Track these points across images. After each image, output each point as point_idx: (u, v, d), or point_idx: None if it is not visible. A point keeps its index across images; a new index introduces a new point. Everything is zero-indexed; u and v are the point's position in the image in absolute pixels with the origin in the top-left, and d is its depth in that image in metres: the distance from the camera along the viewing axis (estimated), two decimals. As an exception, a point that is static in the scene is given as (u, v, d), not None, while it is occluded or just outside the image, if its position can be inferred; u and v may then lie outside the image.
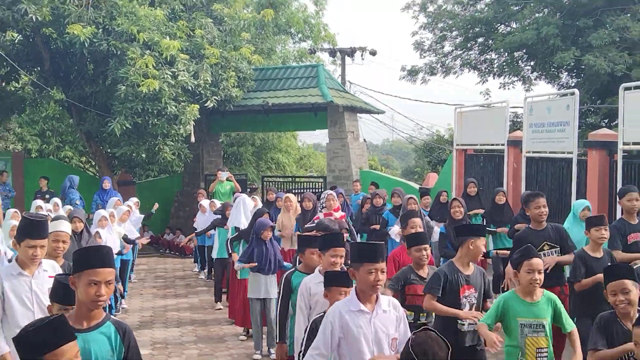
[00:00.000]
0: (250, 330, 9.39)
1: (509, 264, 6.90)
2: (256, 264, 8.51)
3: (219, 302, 11.44)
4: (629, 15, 20.30)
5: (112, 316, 3.82)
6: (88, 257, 3.64)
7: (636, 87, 10.74)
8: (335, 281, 4.94)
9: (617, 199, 8.48)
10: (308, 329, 4.98)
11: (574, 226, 8.23)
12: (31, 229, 5.33)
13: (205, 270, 14.34)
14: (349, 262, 4.52)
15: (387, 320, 4.36)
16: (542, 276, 5.28)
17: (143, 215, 14.29)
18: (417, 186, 17.67)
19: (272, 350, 8.40)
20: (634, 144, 10.57)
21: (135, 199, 13.49)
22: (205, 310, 11.43)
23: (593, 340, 4.72)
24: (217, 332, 10.07)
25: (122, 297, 11.52)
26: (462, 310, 5.76)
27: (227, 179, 15.92)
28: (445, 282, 5.82)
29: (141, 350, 8.80)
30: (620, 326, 4.63)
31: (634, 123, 10.36)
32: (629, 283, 4.58)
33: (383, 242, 4.96)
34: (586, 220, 7.26)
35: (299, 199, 11.57)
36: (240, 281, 9.64)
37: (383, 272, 4.31)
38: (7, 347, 5.01)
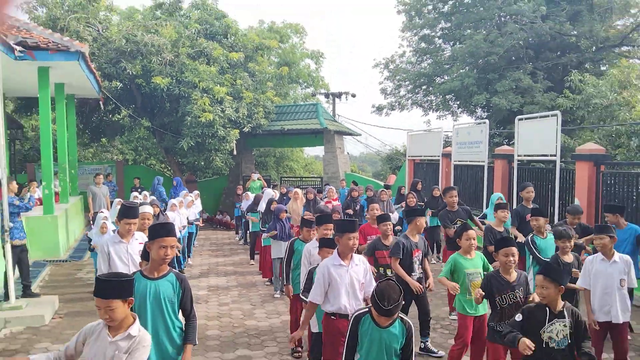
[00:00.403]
0: (272, 278, 9.38)
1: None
2: (277, 232, 8.52)
3: (252, 260, 11.40)
4: (521, 71, 20.27)
5: (173, 269, 3.79)
6: (159, 230, 3.62)
7: (527, 118, 10.75)
8: (325, 244, 4.95)
9: (519, 191, 8.43)
10: (307, 275, 5.02)
11: (491, 211, 8.17)
12: (128, 211, 5.35)
13: (244, 239, 14.26)
14: (335, 233, 4.51)
15: (358, 271, 4.38)
16: (476, 241, 5.25)
17: (200, 206, 14.00)
18: (382, 183, 17.64)
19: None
20: (525, 155, 10.58)
21: (196, 192, 13.42)
22: (242, 265, 11.39)
23: (483, 287, 4.57)
24: (250, 280, 10.03)
25: (189, 256, 11.48)
26: (414, 264, 5.84)
27: (258, 179, 15.85)
28: (403, 248, 5.86)
29: (199, 291, 8.90)
30: (501, 277, 4.47)
31: (525, 142, 10.37)
32: (514, 249, 4.50)
33: (357, 220, 5.00)
34: (495, 206, 7.25)
35: (304, 192, 11.54)
36: (265, 247, 9.60)
37: (357, 239, 4.38)
38: None
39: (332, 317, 4.34)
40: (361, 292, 4.38)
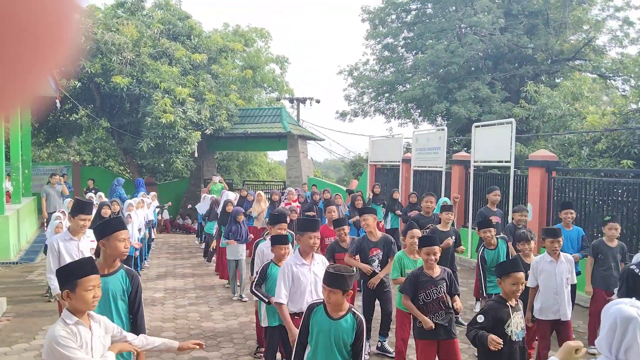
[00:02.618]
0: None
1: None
2: (235, 242, 8.44)
3: (206, 260, 11.27)
4: (480, 81, 20.81)
5: (124, 265, 3.71)
6: (115, 224, 3.55)
7: (483, 126, 11.04)
8: (277, 241, 4.93)
9: (486, 194, 8.52)
10: (260, 269, 4.98)
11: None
12: (83, 207, 5.23)
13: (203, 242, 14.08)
14: (295, 231, 4.52)
15: (319, 269, 4.37)
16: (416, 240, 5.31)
17: (157, 206, 13.80)
18: (344, 188, 17.75)
19: (244, 294, 8.40)
20: (481, 162, 10.85)
21: (154, 193, 13.13)
22: (201, 268, 11.21)
23: (404, 287, 4.67)
24: (209, 282, 9.89)
25: (145, 259, 11.25)
26: (371, 262, 5.91)
27: (219, 181, 15.69)
28: (360, 247, 5.96)
29: (156, 294, 8.74)
30: (425, 275, 4.56)
31: (481, 149, 10.64)
32: (436, 248, 4.55)
33: (319, 220, 5.02)
34: (440, 208, 7.41)
35: (269, 194, 11.52)
36: (222, 249, 9.49)
37: (318, 238, 4.39)
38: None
39: (296, 317, 4.27)
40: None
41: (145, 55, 16.38)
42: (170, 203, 15.26)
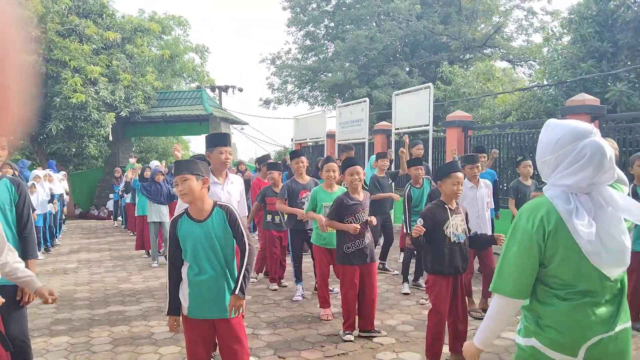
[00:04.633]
0: (149, 251, 8.91)
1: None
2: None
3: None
4: (399, 67, 21.43)
5: (6, 175, 3.38)
6: None
7: (402, 93, 11.34)
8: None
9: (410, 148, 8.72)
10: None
11: (369, 169, 8.43)
12: None
13: (120, 219, 13.41)
14: (205, 149, 4.24)
15: (233, 188, 4.20)
16: (337, 173, 5.30)
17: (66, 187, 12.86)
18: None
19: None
20: (402, 128, 11.14)
21: (64, 172, 12.28)
22: (118, 243, 10.69)
23: (330, 212, 4.66)
24: (127, 254, 9.42)
25: (57, 236, 10.52)
26: (301, 205, 5.88)
27: (137, 161, 14.88)
28: (290, 190, 5.97)
29: (68, 264, 8.21)
30: (352, 199, 4.59)
31: (401, 115, 10.93)
32: (359, 168, 4.61)
33: (229, 134, 4.82)
34: (376, 155, 7.54)
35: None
36: (142, 217, 9.03)
37: (230, 153, 4.17)
38: None
39: None
40: (239, 208, 4.24)
41: (52, 32, 15.38)
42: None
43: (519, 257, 1.79)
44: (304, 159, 6.15)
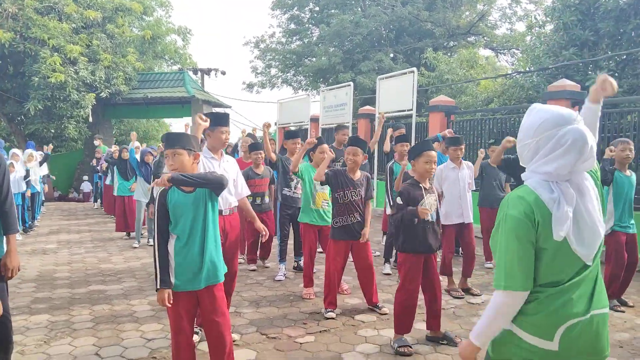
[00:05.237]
0: (130, 233, 8.86)
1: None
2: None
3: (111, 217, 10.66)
4: (382, 53, 21.41)
5: None
6: None
7: (386, 77, 11.33)
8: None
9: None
10: None
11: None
12: None
13: (99, 202, 13.25)
14: (207, 129, 4.22)
15: (229, 167, 4.21)
16: (327, 155, 5.28)
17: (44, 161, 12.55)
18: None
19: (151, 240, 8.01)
20: (385, 112, 11.12)
21: (41, 152, 12.06)
22: (99, 225, 10.58)
23: (326, 176, 4.66)
24: (107, 235, 9.33)
25: (36, 217, 10.38)
26: (292, 185, 6.04)
27: (99, 144, 14.48)
28: (285, 166, 6.09)
29: (48, 245, 8.09)
30: (347, 176, 4.62)
31: (385, 100, 10.92)
32: (358, 149, 4.61)
33: (229, 114, 4.78)
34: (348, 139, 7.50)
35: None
36: (126, 198, 8.95)
37: (229, 133, 4.19)
38: None
39: None
40: (235, 187, 4.24)
41: (30, 8, 15.02)
42: (51, 146, 13.62)
43: (522, 250, 1.74)
44: (299, 140, 6.25)
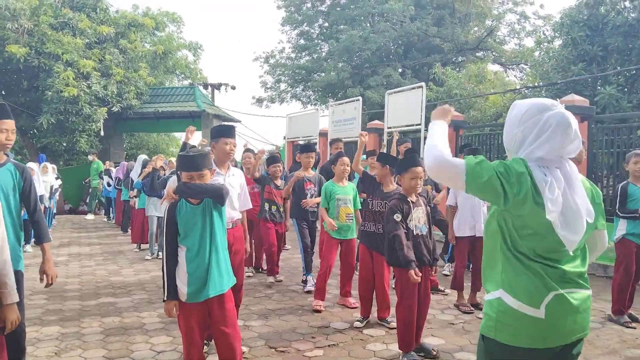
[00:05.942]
0: (139, 244, 8.92)
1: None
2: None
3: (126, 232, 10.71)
4: (392, 68, 21.52)
5: (11, 159, 3.39)
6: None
7: (395, 92, 11.40)
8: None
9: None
10: None
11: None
12: None
13: (112, 215, 13.31)
14: (211, 139, 4.29)
15: (234, 180, 4.26)
16: (348, 167, 5.49)
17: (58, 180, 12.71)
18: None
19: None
20: (394, 127, 11.18)
21: (53, 165, 12.19)
22: (109, 237, 10.65)
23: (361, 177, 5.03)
24: (117, 248, 9.39)
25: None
26: (307, 197, 6.14)
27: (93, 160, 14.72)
28: (295, 183, 6.18)
29: (59, 257, 8.15)
30: (380, 187, 4.73)
31: (394, 114, 10.97)
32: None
33: (235, 126, 4.87)
34: (366, 154, 7.59)
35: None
36: (138, 211, 8.98)
37: (235, 145, 4.21)
38: None
39: None
40: (239, 201, 4.28)
41: (45, 24, 15.31)
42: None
43: (495, 173, 1.81)
44: (313, 154, 6.42)
